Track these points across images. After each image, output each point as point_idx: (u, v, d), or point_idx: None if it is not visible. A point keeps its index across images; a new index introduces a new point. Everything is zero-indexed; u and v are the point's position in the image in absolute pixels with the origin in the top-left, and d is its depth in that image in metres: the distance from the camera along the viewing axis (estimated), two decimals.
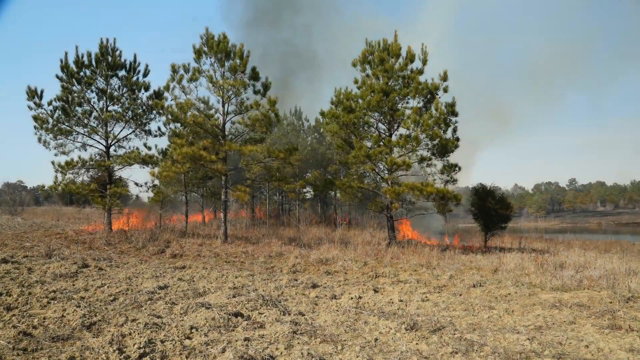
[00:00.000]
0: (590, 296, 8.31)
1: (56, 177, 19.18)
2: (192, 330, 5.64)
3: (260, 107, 17.68)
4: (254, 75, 17.80)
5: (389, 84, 18.83)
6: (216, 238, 18.61)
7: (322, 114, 20.06)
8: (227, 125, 18.69)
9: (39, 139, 19.01)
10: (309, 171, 34.16)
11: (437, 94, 18.56)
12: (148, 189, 21.32)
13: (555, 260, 13.47)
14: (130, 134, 20.47)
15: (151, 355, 4.74)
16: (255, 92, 18.04)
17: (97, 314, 6.24)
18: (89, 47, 21.32)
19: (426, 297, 8.51)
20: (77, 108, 19.24)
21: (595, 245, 23.52)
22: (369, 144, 19.78)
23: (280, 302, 7.30)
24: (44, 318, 5.98)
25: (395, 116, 19.20)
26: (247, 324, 6.05)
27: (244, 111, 18.13)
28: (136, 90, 19.99)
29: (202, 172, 21.88)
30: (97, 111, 19.74)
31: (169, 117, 18.22)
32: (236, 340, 5.28)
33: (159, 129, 20.62)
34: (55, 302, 6.80)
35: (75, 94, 19.07)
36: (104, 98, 19.66)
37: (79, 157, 19.32)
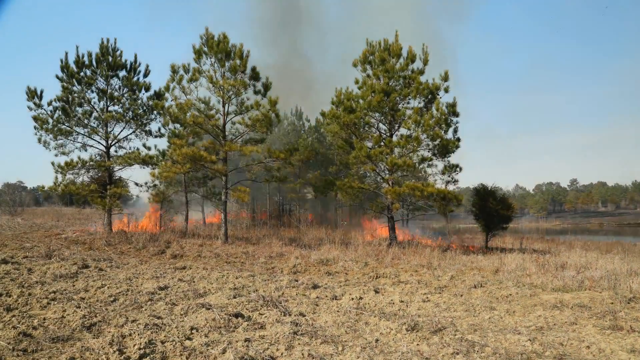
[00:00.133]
0: (592, 297, 8.28)
1: (56, 177, 19.20)
2: (193, 331, 5.62)
3: (260, 108, 17.66)
4: (254, 76, 17.78)
5: (390, 84, 18.81)
6: (216, 238, 18.60)
7: (323, 114, 20.04)
8: (228, 126, 18.68)
9: (39, 140, 19.01)
10: (310, 172, 34.13)
11: (438, 94, 18.55)
12: (148, 189, 21.32)
13: (557, 260, 13.43)
14: (131, 134, 20.48)
15: (151, 356, 4.72)
16: (256, 93, 18.03)
17: (97, 315, 6.22)
18: (89, 48, 21.35)
19: (427, 297, 8.50)
20: (77, 108, 19.25)
21: (597, 246, 23.46)
22: (369, 145, 19.75)
23: (280, 303, 7.29)
24: (44, 319, 5.97)
25: (396, 116, 19.18)
26: (248, 325, 6.03)
27: (245, 111, 18.11)
28: (136, 91, 19.99)
29: (202, 172, 21.87)
30: (97, 111, 19.74)
31: (169, 117, 18.20)
32: (237, 341, 5.27)
33: (159, 129, 20.63)
34: (55, 302, 6.79)
35: (76, 94, 19.06)
36: (105, 98, 19.65)
37: (79, 158, 19.33)
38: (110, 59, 19.31)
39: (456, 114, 18.40)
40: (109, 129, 19.97)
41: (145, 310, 6.74)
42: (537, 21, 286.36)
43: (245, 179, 20.21)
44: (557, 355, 5.16)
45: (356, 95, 19.39)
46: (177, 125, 19.43)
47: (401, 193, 17.96)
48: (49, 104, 18.73)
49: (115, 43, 19.55)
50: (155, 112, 19.81)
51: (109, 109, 19.84)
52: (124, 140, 20.47)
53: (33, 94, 18.44)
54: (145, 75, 20.26)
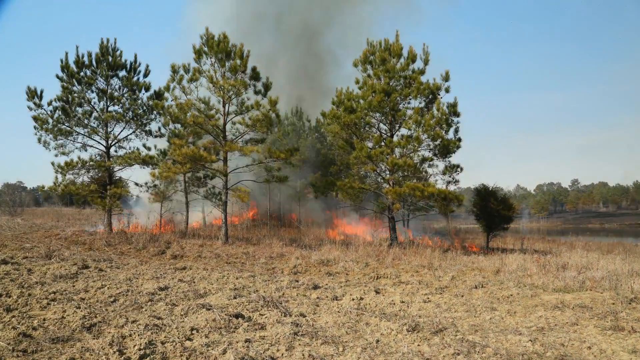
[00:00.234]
0: (593, 297, 8.26)
1: (56, 177, 19.18)
2: (193, 332, 5.61)
3: (261, 108, 17.65)
4: (255, 76, 17.76)
5: (391, 84, 18.80)
6: (217, 239, 18.59)
7: (324, 114, 20.03)
8: (228, 126, 18.66)
9: (39, 140, 18.99)
10: (311, 172, 34.01)
11: (439, 94, 18.53)
12: (148, 189, 21.29)
13: (558, 261, 13.40)
14: (131, 134, 20.45)
15: (152, 356, 4.71)
16: (256, 93, 18.00)
17: (98, 315, 6.21)
18: (90, 48, 21.35)
19: (428, 298, 8.48)
20: (77, 108, 19.22)
21: (598, 246, 23.45)
22: (370, 145, 19.73)
23: (281, 303, 7.27)
24: (44, 319, 5.95)
25: (397, 116, 19.17)
26: (248, 325, 6.02)
27: (245, 111, 18.08)
28: (137, 91, 19.97)
29: (202, 172, 21.86)
30: (97, 111, 19.72)
31: (169, 117, 18.19)
32: (237, 342, 5.26)
33: (160, 129, 20.60)
34: (55, 303, 6.78)
35: (76, 94, 19.05)
36: (105, 98, 19.64)
37: (79, 158, 19.30)
38: (110, 58, 19.30)
39: (457, 114, 18.40)
40: (109, 129, 19.96)
41: (146, 310, 6.72)
42: (537, 20, 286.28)
43: (245, 179, 20.17)
44: (558, 356, 5.15)
45: (357, 96, 19.37)
46: (178, 125, 19.42)
47: (402, 193, 17.95)
48: (49, 104, 18.72)
49: (115, 43, 19.55)
50: (155, 112, 19.79)
51: (109, 109, 19.83)
52: (124, 140, 20.47)
53: (33, 94, 18.43)
54: (145, 75, 20.26)
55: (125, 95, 19.94)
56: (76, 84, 18.98)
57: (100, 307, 6.81)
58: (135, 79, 19.94)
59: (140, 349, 4.79)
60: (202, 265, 12.09)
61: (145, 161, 19.69)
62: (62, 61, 18.68)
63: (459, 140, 18.69)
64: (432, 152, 19.00)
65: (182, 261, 13.01)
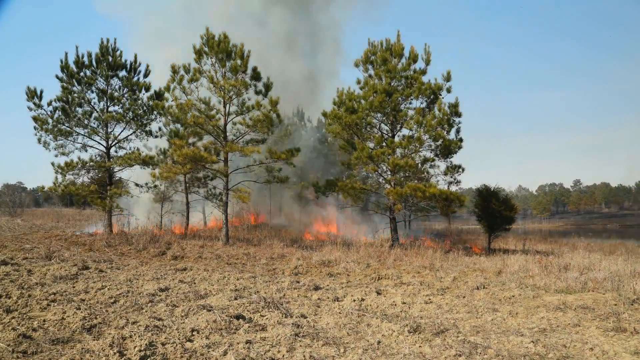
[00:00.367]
0: (595, 298, 8.23)
1: (56, 178, 19.18)
2: (194, 333, 5.59)
3: (261, 108, 17.63)
4: (255, 76, 17.75)
5: (392, 84, 18.79)
6: (217, 240, 18.57)
7: (325, 114, 20.01)
8: (228, 126, 18.64)
9: (39, 140, 18.98)
10: (312, 173, 34.03)
11: (441, 95, 18.51)
12: (148, 189, 21.27)
13: (560, 262, 13.38)
14: (131, 134, 20.43)
15: (152, 358, 4.69)
16: (257, 93, 17.98)
17: (98, 317, 6.18)
18: (90, 48, 21.30)
19: (429, 299, 8.45)
20: (77, 109, 19.20)
21: (600, 247, 23.39)
22: (371, 145, 19.71)
23: (282, 305, 7.24)
24: (44, 320, 5.93)
25: (398, 117, 19.15)
26: (249, 327, 6.00)
27: (245, 112, 18.06)
28: (137, 91, 19.95)
29: (203, 173, 21.85)
30: (97, 112, 19.71)
31: (170, 118, 18.18)
32: (238, 343, 5.23)
33: (160, 129, 20.59)
34: (55, 304, 6.75)
35: (76, 95, 19.04)
36: (105, 98, 19.62)
37: (79, 158, 19.31)
38: (110, 59, 19.29)
39: (459, 114, 18.38)
40: (109, 130, 19.95)
41: (146, 311, 6.70)
42: (537, 19, 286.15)
43: (246, 179, 20.15)
44: (560, 357, 5.13)
45: (358, 96, 19.36)
46: (178, 126, 19.40)
47: (403, 194, 17.92)
48: (49, 104, 18.71)
49: (115, 43, 19.54)
50: (155, 112, 19.77)
51: (109, 109, 19.82)
52: (124, 141, 20.45)
53: (33, 94, 18.41)
54: (146, 75, 20.24)
55: (126, 95, 19.93)
56: (76, 84, 18.97)
57: (101, 308, 6.79)
58: (135, 79, 19.93)
59: (140, 350, 4.77)
60: (202, 266, 12.07)
61: (146, 161, 19.67)
62: (61, 61, 18.69)
63: (461, 140, 18.67)
64: (434, 153, 18.98)
65: (182, 262, 12.99)
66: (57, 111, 18.79)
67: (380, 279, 11.06)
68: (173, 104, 17.86)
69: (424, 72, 18.72)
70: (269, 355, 4.92)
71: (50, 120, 18.77)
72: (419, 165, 19.25)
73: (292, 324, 6.10)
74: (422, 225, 44.16)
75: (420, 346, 5.46)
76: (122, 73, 19.69)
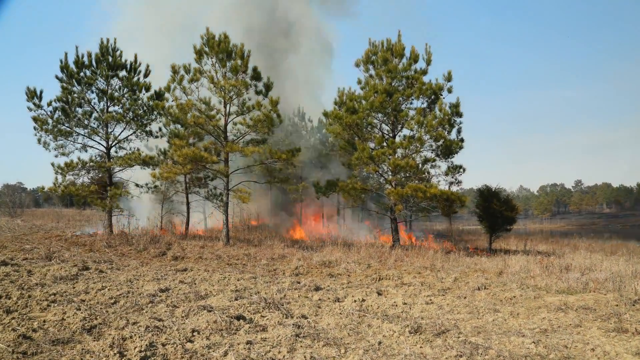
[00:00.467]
0: (596, 299, 8.21)
1: (56, 178, 19.12)
2: (194, 334, 5.58)
3: (262, 108, 17.61)
4: (256, 76, 17.74)
5: (393, 84, 18.76)
6: (218, 240, 18.55)
7: (325, 114, 19.99)
8: (229, 126, 18.62)
9: (39, 140, 18.93)
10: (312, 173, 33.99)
11: (442, 95, 18.49)
12: (148, 190, 21.24)
13: (561, 262, 13.37)
14: (131, 135, 20.39)
15: (152, 358, 4.68)
16: (257, 93, 17.97)
17: (98, 317, 6.17)
18: (90, 48, 21.16)
19: (430, 299, 8.43)
20: (77, 109, 19.15)
21: (601, 248, 23.36)
22: (372, 145, 19.69)
23: (282, 305, 7.23)
24: (44, 321, 5.92)
25: (399, 117, 19.13)
26: (250, 327, 5.99)
27: (246, 112, 18.05)
28: (137, 91, 19.91)
29: (203, 173, 21.85)
30: (97, 112, 19.67)
31: (170, 118, 18.17)
32: (238, 344, 5.23)
33: (160, 129, 20.56)
34: (56, 305, 6.74)
35: (76, 95, 19.00)
36: (105, 99, 19.58)
37: (79, 159, 19.26)
38: (110, 59, 19.26)
39: (460, 114, 18.36)
40: (109, 130, 19.92)
41: (146, 312, 6.69)
42: (538, 18, 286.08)
43: (246, 179, 20.13)
44: (562, 358, 5.12)
45: (358, 96, 19.34)
46: (178, 126, 19.39)
47: (404, 194, 17.89)
48: (49, 104, 18.64)
49: (115, 43, 19.49)
50: (155, 112, 19.74)
51: (109, 109, 19.79)
52: (124, 141, 20.42)
53: (33, 95, 18.38)
54: (146, 75, 20.18)
55: (126, 95, 19.89)
56: (76, 84, 18.93)
57: (101, 308, 6.78)
58: (135, 79, 19.89)
59: (140, 351, 4.76)
60: (203, 267, 12.06)
61: (146, 162, 19.64)
62: (61, 61, 18.63)
63: (462, 140, 18.65)
64: (435, 153, 18.95)
65: (183, 262, 12.97)
66: (57, 111, 18.75)
67: (381, 280, 11.04)
68: (173, 104, 17.85)
69: (424, 72, 18.70)
70: (270, 356, 4.90)
71: (50, 121, 18.73)
72: (420, 165, 19.21)
73: (293, 324, 6.09)
74: (423, 226, 44.16)
75: (421, 347, 5.45)
76: (122, 73, 19.66)
